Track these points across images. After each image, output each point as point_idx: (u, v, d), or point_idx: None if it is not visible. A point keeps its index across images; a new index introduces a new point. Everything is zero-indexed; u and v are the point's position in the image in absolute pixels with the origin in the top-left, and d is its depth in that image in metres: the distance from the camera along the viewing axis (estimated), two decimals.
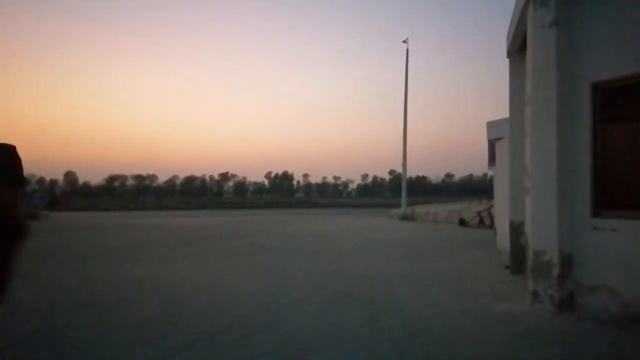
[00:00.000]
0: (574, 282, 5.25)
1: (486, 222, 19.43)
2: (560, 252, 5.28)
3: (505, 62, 8.40)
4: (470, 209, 21.95)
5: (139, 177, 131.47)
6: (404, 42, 29.38)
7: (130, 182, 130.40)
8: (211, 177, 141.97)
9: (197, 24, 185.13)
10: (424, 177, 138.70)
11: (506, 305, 5.65)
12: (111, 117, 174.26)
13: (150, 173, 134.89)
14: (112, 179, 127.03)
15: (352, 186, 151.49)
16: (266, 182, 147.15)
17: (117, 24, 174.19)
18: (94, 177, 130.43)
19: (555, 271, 5.28)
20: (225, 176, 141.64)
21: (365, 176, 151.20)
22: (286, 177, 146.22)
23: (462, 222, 20.94)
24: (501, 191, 10.27)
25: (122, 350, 4.16)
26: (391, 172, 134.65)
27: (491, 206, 18.20)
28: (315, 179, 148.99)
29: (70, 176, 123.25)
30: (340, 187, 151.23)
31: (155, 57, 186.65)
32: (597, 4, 5.28)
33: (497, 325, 4.87)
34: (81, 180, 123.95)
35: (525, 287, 5.81)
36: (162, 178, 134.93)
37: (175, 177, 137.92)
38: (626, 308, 4.81)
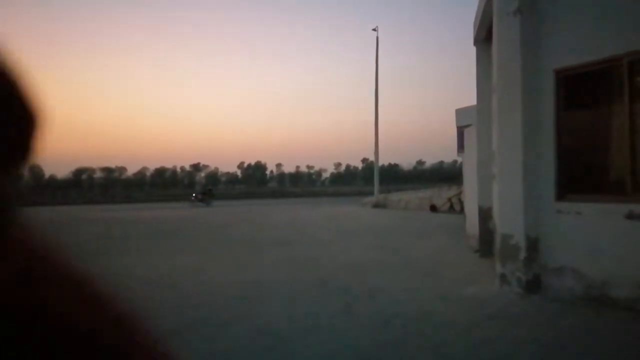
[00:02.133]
0: (540, 265, 5.41)
1: (456, 208, 19.80)
2: (526, 236, 5.42)
3: (473, 50, 8.52)
4: (440, 195, 22.32)
5: (107, 170, 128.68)
6: (374, 30, 29.52)
7: (98, 174, 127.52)
8: (182, 168, 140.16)
9: (168, 13, 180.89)
10: (396, 165, 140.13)
11: (476, 289, 5.78)
12: (77, 108, 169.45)
13: (119, 165, 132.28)
14: (79, 172, 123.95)
15: (326, 175, 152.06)
16: (239, 172, 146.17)
17: (84, 12, 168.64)
18: (60, 170, 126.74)
19: (522, 254, 5.42)
20: (197, 167, 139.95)
21: (338, 165, 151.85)
22: (259, 167, 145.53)
23: (433, 209, 21.28)
24: (470, 177, 10.46)
25: None
26: (364, 160, 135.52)
27: (461, 192, 18.54)
28: (288, 168, 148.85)
29: (35, 170, 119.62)
30: (314, 176, 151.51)
31: (124, 46, 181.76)
32: None
33: (467, 308, 4.99)
34: (47, 174, 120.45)
35: (494, 271, 5.96)
36: (131, 170, 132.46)
37: (145, 169, 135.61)
38: (590, 289, 4.99)
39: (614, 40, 4.91)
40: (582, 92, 5.38)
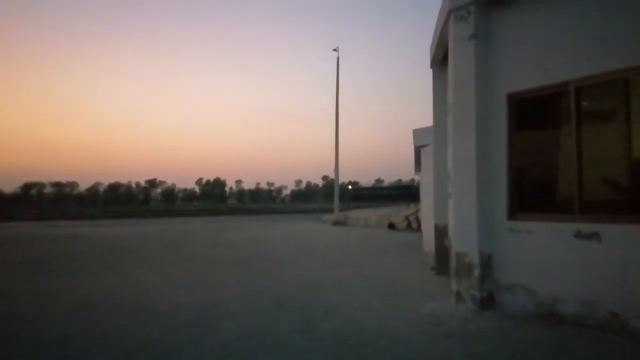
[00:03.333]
0: (493, 282, 5.55)
1: (414, 226, 20.13)
2: (480, 254, 5.56)
3: (430, 72, 8.75)
4: (399, 213, 22.66)
5: (57, 185, 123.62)
6: (335, 50, 29.99)
7: (48, 189, 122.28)
8: (137, 184, 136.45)
9: (124, 28, 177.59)
10: (355, 182, 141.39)
11: (432, 306, 5.86)
12: (26, 121, 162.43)
13: (70, 180, 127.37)
14: (28, 186, 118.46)
15: (286, 192, 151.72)
16: (197, 188, 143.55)
17: (35, 22, 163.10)
18: (8, 185, 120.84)
19: (476, 272, 5.55)
20: (152, 183, 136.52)
21: (298, 182, 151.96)
22: (218, 184, 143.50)
23: (392, 226, 21.55)
24: (427, 196, 10.69)
25: None
26: (324, 177, 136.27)
27: (418, 210, 18.88)
28: (248, 185, 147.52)
29: None
30: (274, 193, 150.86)
31: (75, 56, 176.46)
32: (511, 20, 5.63)
33: (424, 326, 5.04)
34: None
35: (450, 288, 6.06)
36: (83, 185, 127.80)
37: (98, 184, 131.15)
38: (540, 306, 5.14)
39: (561, 67, 5.16)
40: (533, 114, 5.62)
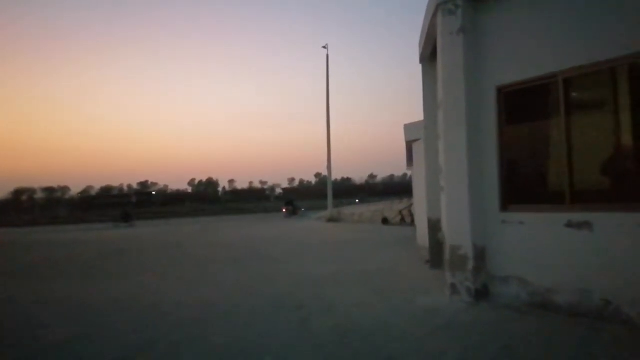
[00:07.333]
0: (487, 274, 5.59)
1: (407, 220, 20.21)
2: (474, 246, 5.60)
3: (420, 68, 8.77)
4: (392, 208, 22.75)
5: (49, 190, 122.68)
6: (324, 47, 29.98)
7: (39, 195, 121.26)
8: (129, 186, 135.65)
9: (117, 27, 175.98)
10: (348, 179, 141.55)
11: (428, 299, 5.89)
12: (16, 126, 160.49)
13: (62, 185, 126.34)
14: (19, 192, 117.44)
15: (279, 190, 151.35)
16: (190, 189, 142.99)
17: (25, 24, 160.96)
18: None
19: (470, 264, 5.59)
20: (145, 185, 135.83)
21: (292, 180, 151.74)
22: (211, 184, 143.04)
23: (385, 221, 21.62)
24: (419, 190, 10.74)
25: None
26: (317, 175, 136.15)
27: (411, 205, 18.95)
28: (241, 184, 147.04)
29: None
30: (267, 192, 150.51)
31: (68, 62, 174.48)
32: (499, 14, 5.66)
33: (420, 319, 5.07)
34: None
35: (444, 281, 6.10)
36: (75, 189, 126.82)
37: (90, 187, 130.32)
38: (534, 296, 5.19)
39: (549, 58, 5.20)
40: (523, 107, 5.65)
